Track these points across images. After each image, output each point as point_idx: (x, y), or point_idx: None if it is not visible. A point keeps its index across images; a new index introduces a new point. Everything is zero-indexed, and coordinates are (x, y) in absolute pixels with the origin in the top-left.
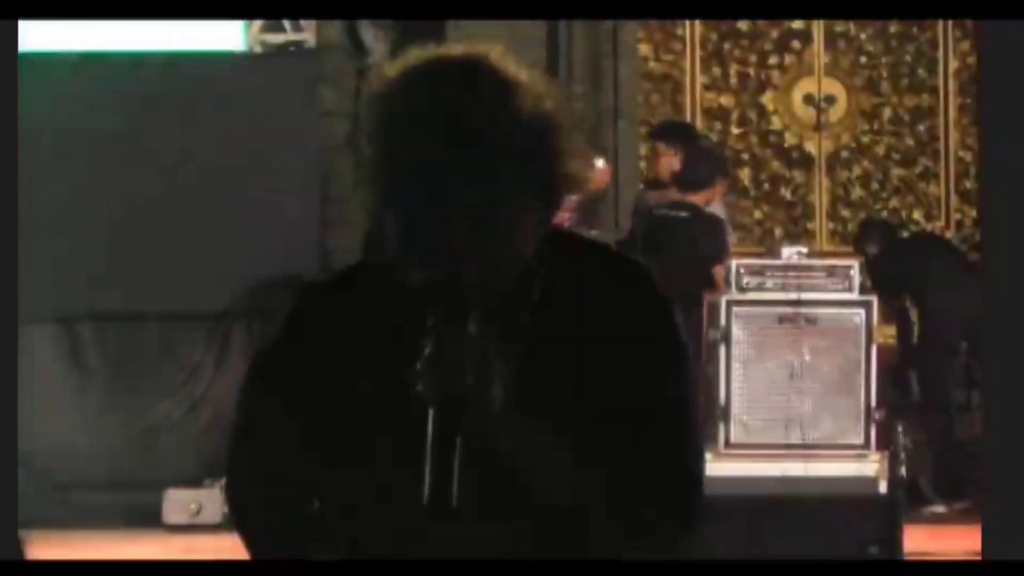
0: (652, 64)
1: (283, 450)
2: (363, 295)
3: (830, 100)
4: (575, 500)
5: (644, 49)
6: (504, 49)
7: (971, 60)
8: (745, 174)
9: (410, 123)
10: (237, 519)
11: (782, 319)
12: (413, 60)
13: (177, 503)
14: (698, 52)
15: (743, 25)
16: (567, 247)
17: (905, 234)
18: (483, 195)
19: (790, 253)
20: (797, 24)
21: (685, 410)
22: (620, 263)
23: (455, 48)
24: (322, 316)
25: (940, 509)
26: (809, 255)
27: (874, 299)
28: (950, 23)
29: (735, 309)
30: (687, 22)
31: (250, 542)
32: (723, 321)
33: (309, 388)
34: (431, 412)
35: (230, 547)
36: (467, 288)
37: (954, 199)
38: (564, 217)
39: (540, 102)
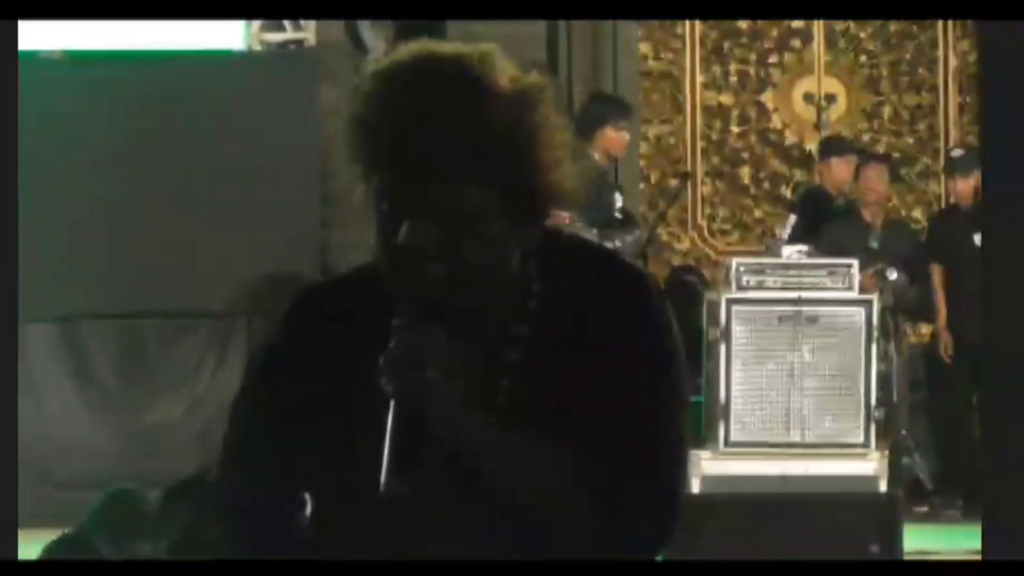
0: (651, 62)
1: (273, 454)
2: (355, 298)
3: (830, 99)
4: (541, 502)
5: (644, 47)
6: (493, 50)
7: (971, 59)
8: (745, 172)
9: (377, 127)
10: (227, 522)
11: (782, 318)
12: (389, 63)
13: None
14: (698, 50)
15: (743, 23)
16: (563, 252)
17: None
18: (448, 205)
19: (790, 252)
20: (797, 23)
21: (671, 424)
22: (616, 270)
23: (440, 48)
24: (316, 320)
25: (940, 508)
26: (809, 254)
27: (874, 298)
28: (950, 23)
29: (735, 308)
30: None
31: (236, 545)
32: (723, 320)
33: (303, 390)
34: (391, 405)
35: None
36: (433, 289)
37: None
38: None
39: (521, 112)
